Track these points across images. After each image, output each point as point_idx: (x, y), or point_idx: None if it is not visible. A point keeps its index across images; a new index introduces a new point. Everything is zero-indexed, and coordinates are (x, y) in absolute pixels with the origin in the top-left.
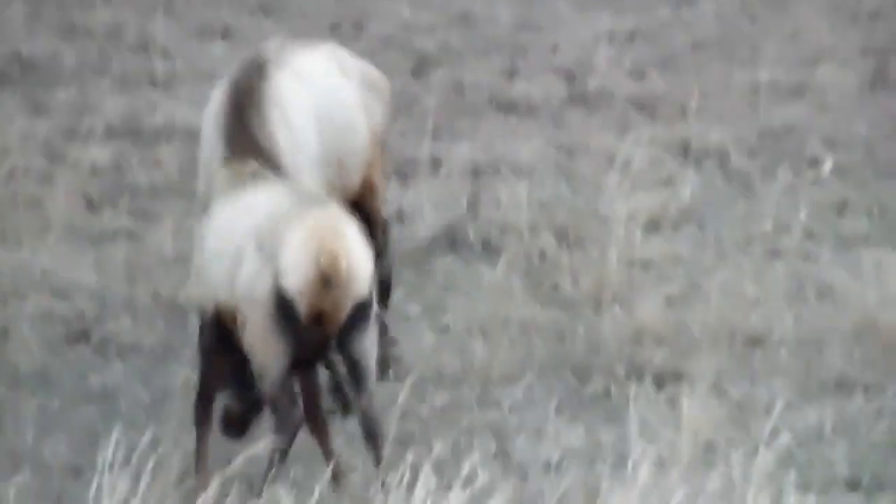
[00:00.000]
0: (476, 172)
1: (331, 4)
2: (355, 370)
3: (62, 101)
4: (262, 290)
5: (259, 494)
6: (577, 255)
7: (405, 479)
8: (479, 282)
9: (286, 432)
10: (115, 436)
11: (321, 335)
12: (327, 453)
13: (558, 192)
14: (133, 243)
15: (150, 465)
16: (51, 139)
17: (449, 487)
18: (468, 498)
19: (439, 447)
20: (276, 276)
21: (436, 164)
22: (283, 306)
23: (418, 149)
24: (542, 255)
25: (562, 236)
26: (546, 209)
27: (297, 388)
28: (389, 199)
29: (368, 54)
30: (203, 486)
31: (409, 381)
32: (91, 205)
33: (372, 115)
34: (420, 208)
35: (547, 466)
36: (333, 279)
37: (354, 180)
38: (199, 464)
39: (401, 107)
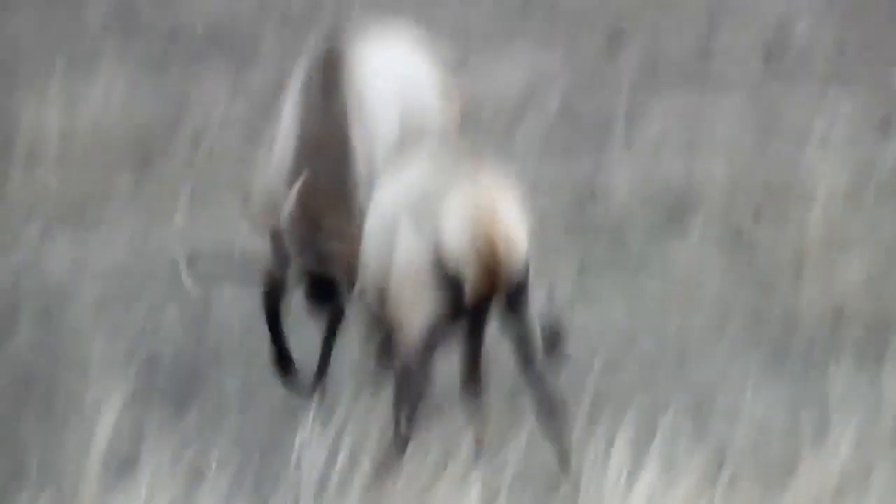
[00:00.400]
0: (670, 147)
1: None
2: (523, 343)
3: (260, 82)
4: (422, 267)
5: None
6: (773, 230)
7: (599, 456)
8: (673, 257)
9: (411, 408)
10: (312, 411)
11: (484, 312)
12: (479, 431)
13: (756, 164)
14: None
15: (348, 440)
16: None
17: (643, 464)
18: (663, 473)
19: (633, 424)
20: (438, 259)
21: (629, 136)
22: (447, 288)
23: (612, 121)
24: (738, 231)
25: (758, 212)
26: (742, 184)
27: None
28: (584, 173)
29: (562, 31)
30: (394, 465)
31: (601, 357)
32: None
33: (450, 104)
34: (613, 184)
35: (744, 442)
36: (493, 262)
37: None
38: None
39: (595, 79)
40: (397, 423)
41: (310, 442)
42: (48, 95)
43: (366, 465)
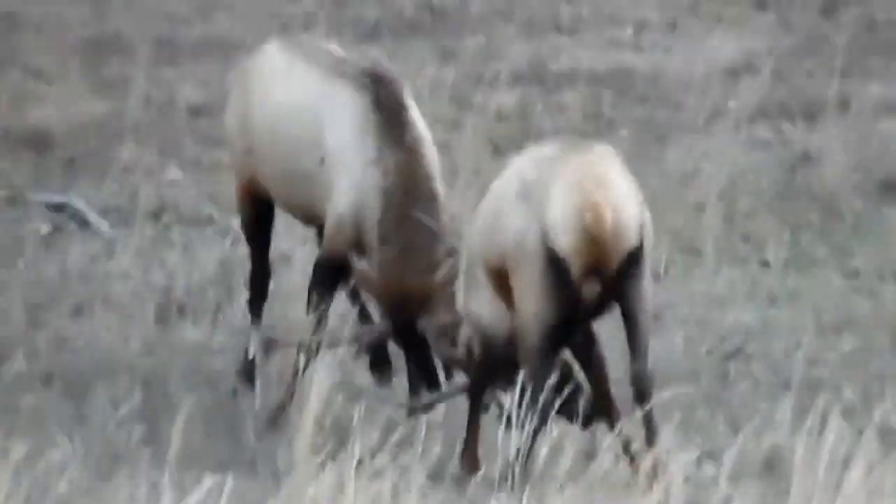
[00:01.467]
0: (887, 112)
1: None
2: (630, 325)
3: (469, 48)
4: (531, 246)
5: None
6: None
7: (815, 426)
8: (889, 224)
9: (539, 397)
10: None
11: (594, 290)
12: (612, 421)
13: None
14: None
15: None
16: (458, 85)
17: (860, 434)
18: (879, 445)
19: (849, 393)
20: (544, 234)
21: (843, 103)
22: (553, 263)
23: (826, 88)
24: None
25: None
26: None
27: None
28: (797, 138)
29: None
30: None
31: (816, 323)
32: (497, 150)
33: None
34: (828, 149)
35: None
36: (600, 234)
37: None
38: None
39: (808, 46)
40: (538, 412)
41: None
42: None
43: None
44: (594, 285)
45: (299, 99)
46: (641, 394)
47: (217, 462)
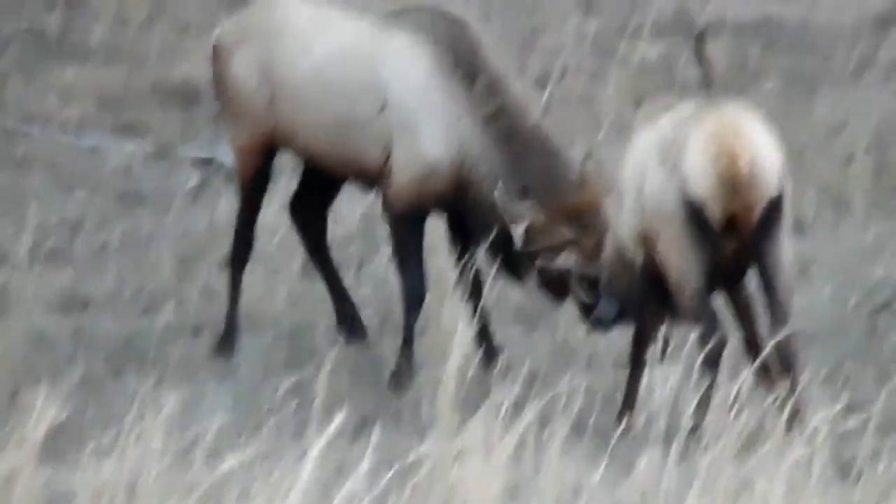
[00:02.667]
0: None
1: None
2: (769, 284)
3: (611, 3)
4: (671, 202)
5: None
6: None
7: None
8: None
9: (712, 343)
10: (665, 330)
11: (737, 241)
12: (770, 380)
13: None
14: None
15: (699, 359)
16: (601, 36)
17: None
18: None
19: None
20: (683, 185)
21: None
22: (693, 214)
23: None
24: None
25: None
26: None
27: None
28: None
29: None
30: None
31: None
32: (640, 102)
33: None
34: None
35: None
36: (737, 180)
37: None
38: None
39: None
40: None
41: (661, 359)
42: None
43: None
44: (735, 240)
45: (348, 47)
46: (786, 361)
47: (362, 414)
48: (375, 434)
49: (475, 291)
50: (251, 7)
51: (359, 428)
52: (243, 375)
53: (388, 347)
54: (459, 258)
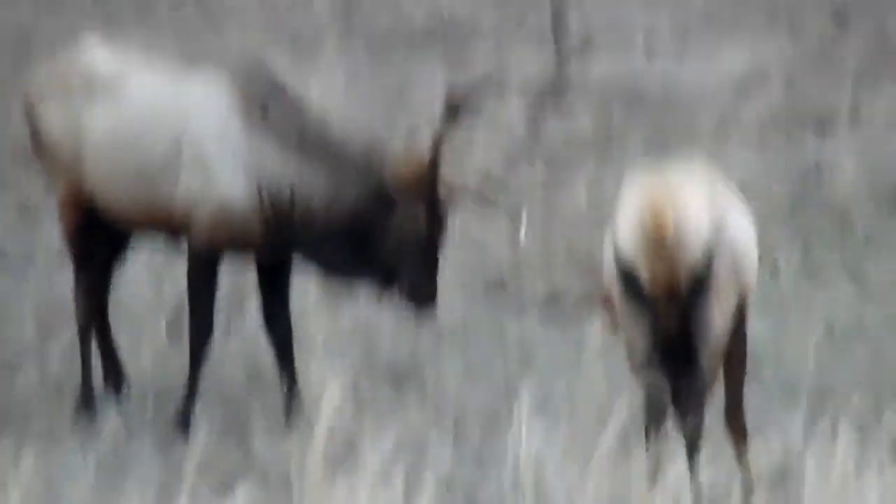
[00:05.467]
0: None
1: None
2: (687, 349)
3: (480, 59)
4: (609, 263)
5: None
6: None
7: (826, 435)
8: None
9: (653, 422)
10: (531, 385)
11: (670, 307)
12: (740, 457)
13: None
14: (548, 196)
15: (565, 414)
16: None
17: (870, 442)
18: (891, 453)
19: (859, 402)
20: (616, 247)
21: (855, 113)
22: (624, 275)
23: (838, 98)
24: None
25: None
26: None
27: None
28: (809, 153)
29: (786, 4)
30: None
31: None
32: (508, 159)
33: None
34: (840, 160)
35: None
36: (661, 241)
37: None
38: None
39: (820, 56)
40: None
41: (528, 415)
42: None
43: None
44: (669, 303)
45: (148, 96)
46: (691, 447)
47: (229, 472)
48: (242, 493)
49: (286, 336)
50: (57, 58)
51: (227, 486)
52: (106, 437)
53: (255, 405)
54: (272, 306)
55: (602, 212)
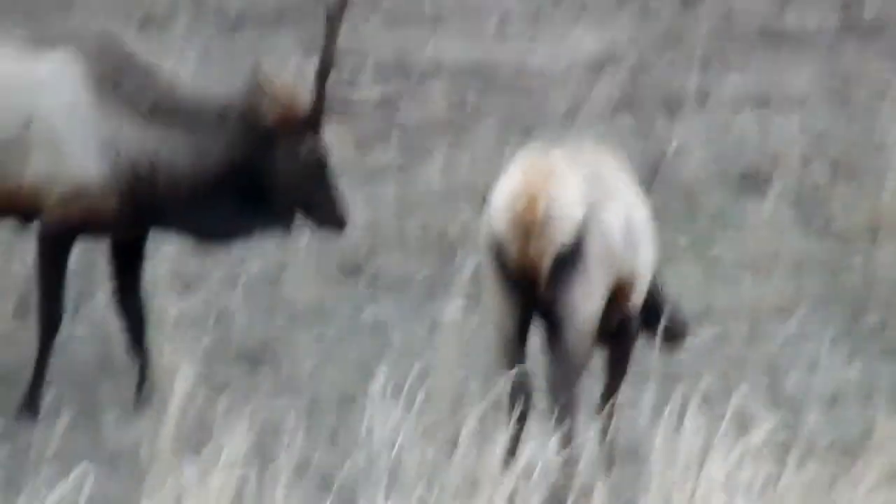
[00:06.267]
0: (747, 103)
1: None
2: (554, 328)
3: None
4: (482, 237)
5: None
6: (851, 186)
7: (674, 414)
8: (748, 215)
9: (516, 402)
10: (386, 367)
11: (533, 286)
12: (604, 434)
13: (832, 123)
14: (403, 178)
15: (421, 396)
16: None
17: (719, 421)
18: (737, 432)
19: (708, 382)
20: (489, 219)
21: (703, 96)
22: (494, 251)
23: (686, 81)
24: (815, 187)
25: (835, 168)
26: (819, 140)
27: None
28: (658, 132)
29: None
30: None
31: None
32: (363, 141)
33: None
34: (688, 141)
35: (820, 401)
36: (530, 222)
37: None
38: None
39: (669, 38)
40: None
41: (383, 397)
42: None
43: (440, 421)
44: (532, 281)
45: None
46: (560, 418)
47: (77, 458)
48: (90, 479)
49: (139, 317)
50: None
51: (74, 472)
52: None
53: (105, 390)
54: (125, 286)
55: (456, 193)
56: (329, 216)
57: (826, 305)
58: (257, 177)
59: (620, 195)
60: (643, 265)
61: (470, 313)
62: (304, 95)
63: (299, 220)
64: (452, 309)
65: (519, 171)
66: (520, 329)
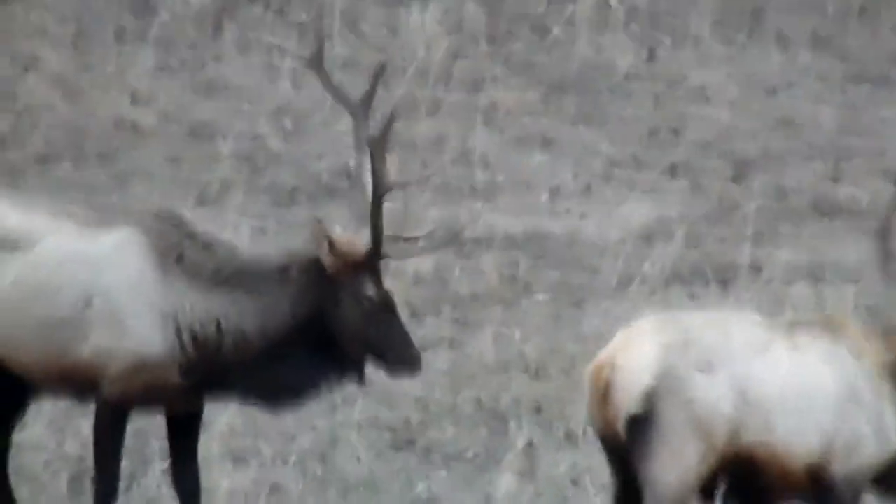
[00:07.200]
0: (798, 276)
1: (649, 110)
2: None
3: (386, 212)
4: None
5: None
6: None
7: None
8: None
9: None
10: None
11: (615, 449)
12: None
13: (886, 296)
14: (455, 351)
15: None
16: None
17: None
18: None
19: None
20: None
21: (756, 268)
22: (588, 418)
23: (739, 253)
24: None
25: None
26: (873, 313)
27: None
28: (711, 303)
29: (686, 160)
30: None
31: None
32: (414, 313)
33: None
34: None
35: None
36: (599, 390)
37: None
38: None
39: (721, 212)
40: None
41: None
42: None
43: None
44: (612, 445)
45: (52, 250)
46: None
47: None
48: None
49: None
50: None
51: None
52: None
53: None
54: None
55: (508, 365)
56: (400, 357)
57: None
58: (324, 328)
59: (735, 363)
60: (787, 434)
61: (524, 486)
62: (360, 242)
63: (370, 366)
64: (505, 482)
65: (612, 340)
66: (624, 495)
